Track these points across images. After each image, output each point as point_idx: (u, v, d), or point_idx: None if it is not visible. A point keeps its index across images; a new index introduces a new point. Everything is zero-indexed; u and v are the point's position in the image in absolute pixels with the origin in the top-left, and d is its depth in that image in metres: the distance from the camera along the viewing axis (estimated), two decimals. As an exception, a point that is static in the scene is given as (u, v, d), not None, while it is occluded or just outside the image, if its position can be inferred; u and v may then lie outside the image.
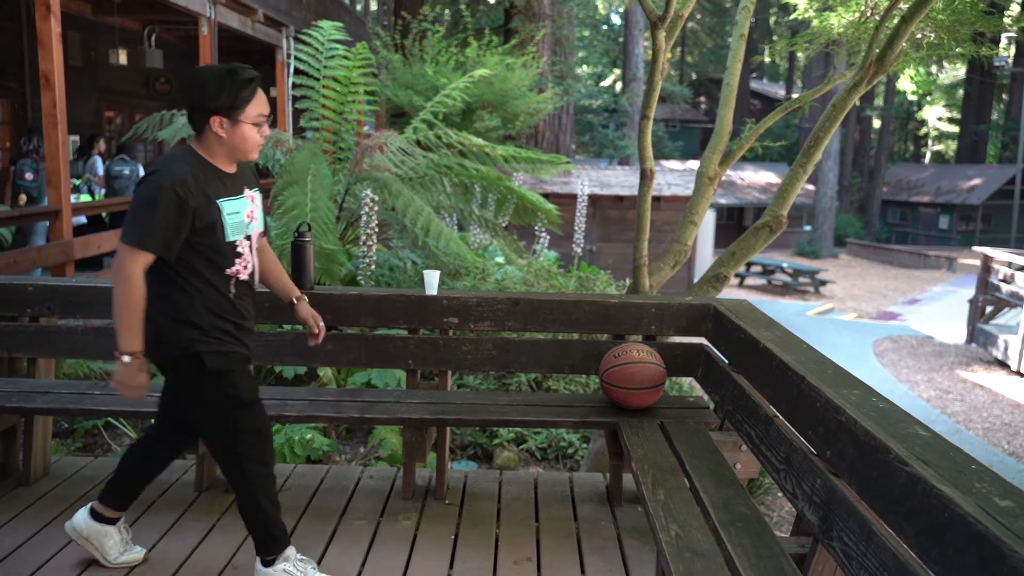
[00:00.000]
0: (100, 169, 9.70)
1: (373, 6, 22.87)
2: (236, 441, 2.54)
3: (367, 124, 11.92)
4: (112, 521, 2.78)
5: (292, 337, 3.53)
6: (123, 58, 11.98)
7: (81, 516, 2.77)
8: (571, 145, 17.98)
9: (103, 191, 9.45)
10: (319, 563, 2.84)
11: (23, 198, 8.51)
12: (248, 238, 2.55)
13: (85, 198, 9.22)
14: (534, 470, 4.82)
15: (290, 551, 2.65)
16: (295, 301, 2.87)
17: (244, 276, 2.55)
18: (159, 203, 2.31)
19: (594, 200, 14.68)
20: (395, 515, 3.25)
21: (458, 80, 7.27)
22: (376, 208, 5.43)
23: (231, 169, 2.52)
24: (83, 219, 8.49)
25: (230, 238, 2.47)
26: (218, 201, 2.44)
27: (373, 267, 5.43)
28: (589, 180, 12.94)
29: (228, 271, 2.49)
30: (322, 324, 2.89)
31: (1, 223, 7.13)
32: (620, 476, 3.46)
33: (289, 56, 11.56)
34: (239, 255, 2.52)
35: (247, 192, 2.57)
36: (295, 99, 6.72)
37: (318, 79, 6.20)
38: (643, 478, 2.62)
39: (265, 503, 2.58)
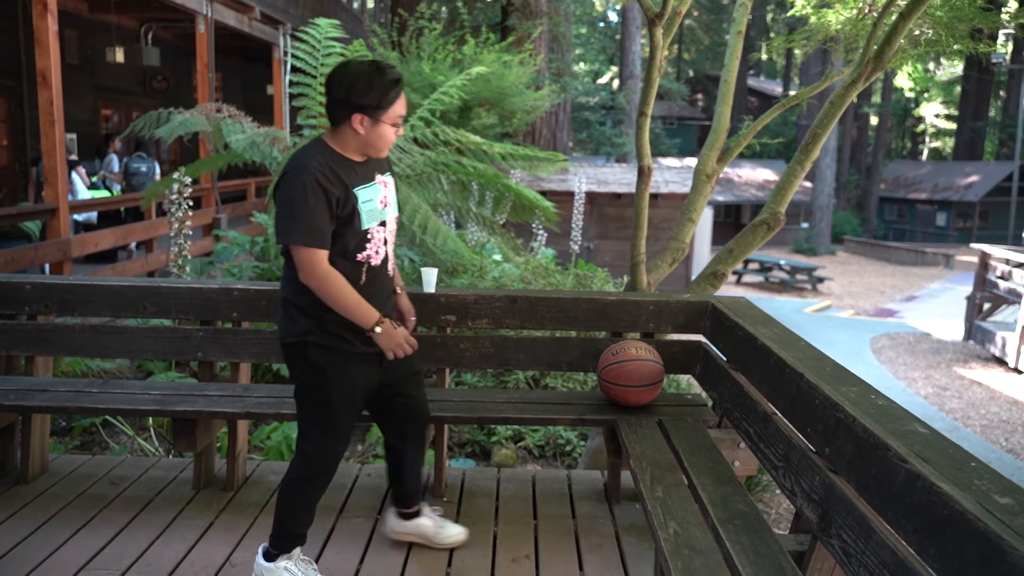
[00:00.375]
0: (116, 166, 10.00)
1: (370, 3, 22.83)
2: (307, 435, 2.63)
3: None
4: (416, 514, 2.93)
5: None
6: (120, 56, 11.96)
7: (391, 521, 2.96)
8: (568, 142, 17.96)
9: (119, 187, 9.76)
10: (317, 560, 2.84)
11: (44, 198, 8.42)
12: (383, 224, 2.59)
13: (103, 193, 9.42)
14: (532, 468, 4.82)
15: (296, 551, 2.66)
16: (396, 291, 2.84)
17: (376, 261, 2.58)
18: (309, 198, 2.38)
19: (591, 197, 14.67)
20: (393, 513, 3.25)
21: (455, 78, 7.26)
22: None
23: (361, 159, 2.55)
24: (94, 216, 8.85)
25: (365, 225, 2.51)
26: (354, 190, 2.48)
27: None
28: (586, 177, 12.94)
29: (359, 256, 2.52)
30: (413, 319, 2.89)
31: (12, 219, 7.13)
32: (618, 474, 3.46)
33: (286, 54, 11.55)
34: (369, 240, 2.54)
35: (379, 178, 2.60)
36: (292, 97, 6.70)
37: (315, 77, 6.18)
38: (641, 476, 2.61)
39: (298, 504, 2.64)
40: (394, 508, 2.96)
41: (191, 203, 5.35)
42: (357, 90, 2.42)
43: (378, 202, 2.56)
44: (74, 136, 10.32)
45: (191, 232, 5.40)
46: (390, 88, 2.44)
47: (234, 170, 7.31)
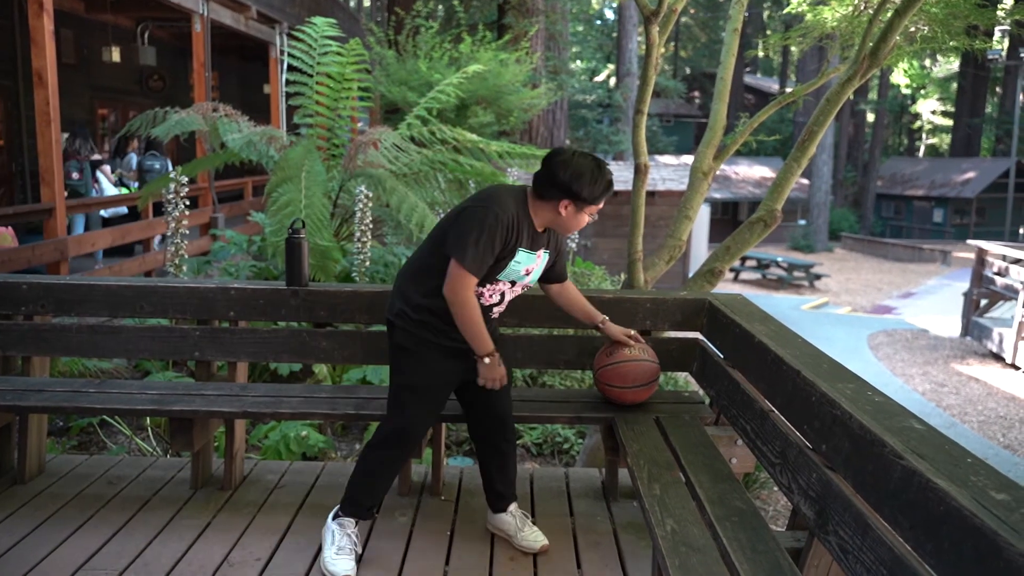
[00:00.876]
0: (134, 164, 10.56)
1: (366, 2, 22.80)
2: (390, 411, 2.86)
3: (361, 120, 11.89)
4: (502, 511, 3.04)
5: (287, 334, 3.53)
6: (116, 55, 11.95)
7: (489, 512, 3.09)
8: (565, 140, 17.95)
9: (135, 184, 10.25)
10: (314, 559, 2.84)
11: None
12: (513, 284, 2.83)
13: (123, 191, 10.08)
14: (530, 466, 4.82)
15: (350, 522, 2.84)
16: (600, 325, 3.17)
17: (486, 302, 2.80)
18: (495, 236, 2.62)
19: (589, 195, 14.65)
20: (391, 511, 3.25)
21: (452, 76, 7.26)
22: (370, 204, 5.42)
23: (541, 229, 2.80)
24: (124, 210, 9.40)
25: (501, 276, 2.76)
26: (519, 248, 2.73)
27: (368, 263, 5.42)
28: (584, 175, 12.91)
29: (477, 290, 2.74)
30: (633, 333, 3.19)
31: (9, 219, 7.11)
32: (616, 471, 3.47)
33: (282, 53, 11.53)
34: (493, 284, 2.78)
35: (540, 252, 2.83)
36: (288, 96, 6.70)
37: (312, 76, 6.19)
38: (639, 473, 2.62)
39: (363, 471, 2.84)
40: (496, 504, 3.08)
41: (188, 202, 5.35)
42: (581, 183, 2.65)
43: (523, 269, 2.79)
44: (67, 135, 10.31)
45: (188, 231, 5.39)
46: (606, 190, 2.71)
47: (231, 169, 7.31)
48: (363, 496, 2.85)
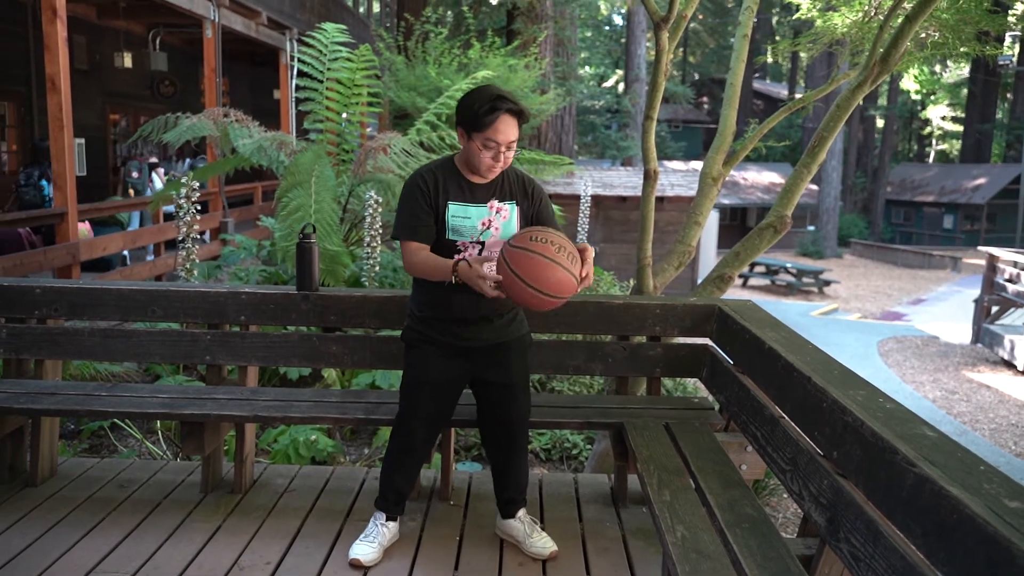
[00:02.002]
0: (187, 167, 11.73)
1: (376, 8, 22.88)
2: (399, 405, 2.95)
3: (370, 126, 11.94)
4: (510, 516, 3.03)
5: (297, 339, 3.54)
6: (128, 61, 12.04)
7: (498, 517, 3.08)
8: (574, 146, 17.97)
9: None
10: (324, 563, 2.85)
11: (132, 192, 10.58)
12: (480, 244, 2.77)
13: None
14: (538, 471, 4.81)
15: (381, 516, 2.95)
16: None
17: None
18: (409, 197, 2.74)
19: (597, 201, 14.67)
20: (400, 516, 3.25)
21: (461, 81, 7.28)
22: (380, 209, 5.43)
23: (478, 180, 2.77)
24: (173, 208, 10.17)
25: (450, 237, 2.74)
26: (449, 202, 2.72)
27: (377, 268, 5.43)
28: (592, 181, 12.92)
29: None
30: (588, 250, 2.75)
31: (15, 224, 7.17)
32: (625, 477, 3.46)
33: (292, 58, 11.57)
34: (459, 252, 2.74)
35: (492, 203, 2.78)
36: (299, 101, 6.73)
37: (322, 81, 6.22)
38: (648, 479, 2.61)
39: (388, 468, 2.96)
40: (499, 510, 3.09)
41: (199, 207, 5.37)
42: (464, 105, 2.66)
43: (478, 222, 2.74)
44: (82, 141, 10.39)
45: (199, 236, 5.41)
46: (491, 112, 2.61)
47: (241, 174, 7.35)
48: (382, 487, 2.97)
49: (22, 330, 3.48)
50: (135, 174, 10.63)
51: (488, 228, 2.76)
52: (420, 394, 2.88)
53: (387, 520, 2.96)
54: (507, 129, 2.64)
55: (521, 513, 3.03)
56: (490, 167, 2.70)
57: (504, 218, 2.78)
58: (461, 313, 2.79)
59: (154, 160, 11.49)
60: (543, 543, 2.95)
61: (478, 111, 2.61)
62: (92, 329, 3.54)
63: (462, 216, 2.73)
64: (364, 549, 2.86)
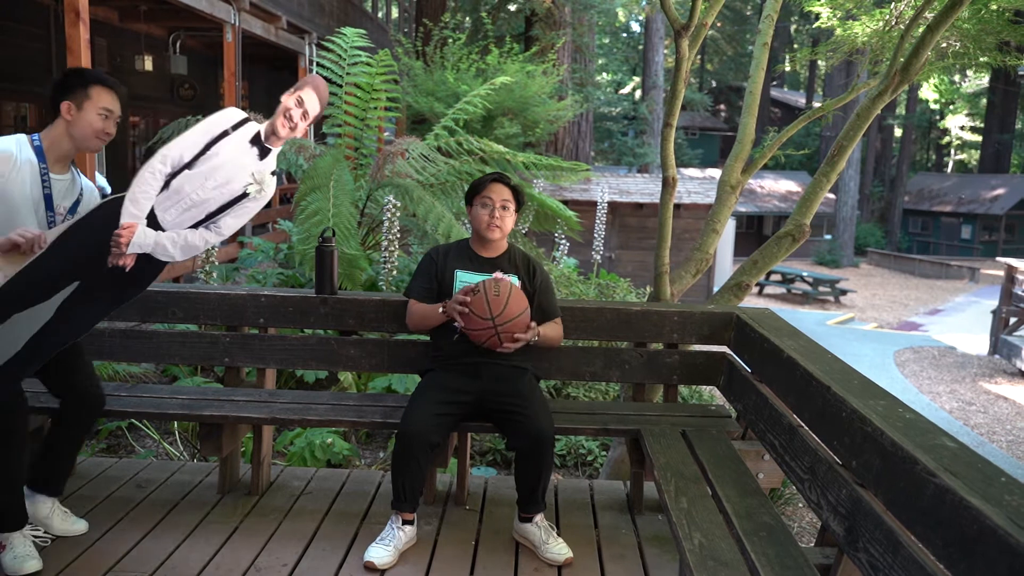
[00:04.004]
0: None
1: (395, 13, 22.98)
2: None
3: (388, 130, 11.99)
4: (528, 520, 3.05)
5: (315, 342, 3.56)
6: (148, 64, 12.13)
7: (516, 519, 3.12)
8: (590, 152, 17.97)
9: None
10: (340, 566, 2.86)
11: None
12: None
13: None
14: (554, 477, 4.81)
15: (394, 516, 2.99)
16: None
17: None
18: (417, 267, 3.28)
19: (613, 207, 14.65)
20: (416, 520, 3.26)
21: (479, 87, 7.30)
22: (397, 214, 5.46)
23: (487, 254, 3.22)
24: None
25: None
26: (457, 270, 3.18)
27: (394, 272, 5.46)
28: (609, 187, 12.91)
29: (452, 325, 3.10)
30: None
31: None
32: (641, 484, 3.45)
33: (312, 63, 11.66)
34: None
35: (498, 273, 3.14)
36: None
37: (341, 86, 6.25)
38: (665, 486, 2.61)
39: (393, 470, 2.99)
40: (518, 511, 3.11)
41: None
42: (468, 189, 3.31)
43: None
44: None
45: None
46: (482, 181, 3.21)
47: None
48: (392, 486, 2.99)
49: (44, 330, 3.51)
50: None
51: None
52: (420, 399, 3.03)
53: (403, 524, 2.97)
54: (499, 190, 3.14)
55: (539, 518, 3.03)
56: (488, 224, 3.12)
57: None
58: (463, 357, 3.12)
59: None
60: (559, 549, 2.95)
61: (478, 183, 3.18)
62: (112, 330, 3.57)
63: (467, 282, 3.11)
64: (379, 552, 2.87)
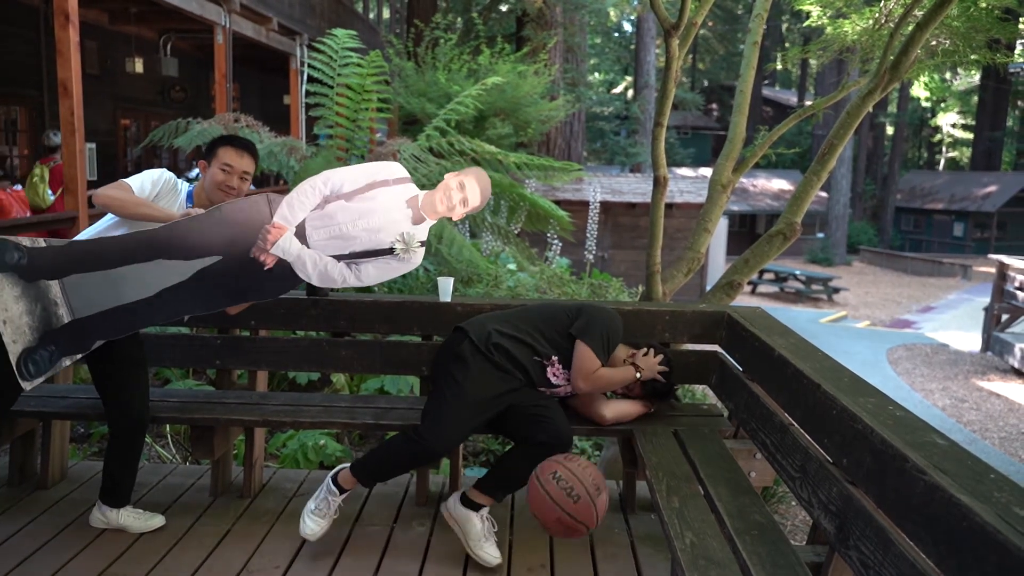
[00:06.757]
0: None
1: (386, 14, 22.96)
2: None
3: (380, 131, 11.98)
4: (476, 508, 2.91)
5: (307, 343, 3.55)
6: (139, 66, 12.08)
7: (452, 498, 2.98)
8: (583, 152, 18.01)
9: None
10: (333, 568, 2.85)
11: None
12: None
13: None
14: (547, 477, 4.81)
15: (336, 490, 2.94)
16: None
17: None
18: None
19: (606, 207, 14.66)
20: (408, 522, 3.26)
21: (470, 88, 7.30)
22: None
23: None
24: None
25: None
26: None
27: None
28: (601, 187, 12.93)
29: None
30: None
31: (27, 228, 7.22)
32: (633, 484, 3.46)
33: (303, 64, 11.64)
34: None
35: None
36: (308, 107, 6.75)
37: (332, 87, 6.23)
38: (657, 486, 2.61)
39: (387, 458, 2.89)
40: (465, 488, 2.97)
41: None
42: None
43: None
44: (93, 145, 10.46)
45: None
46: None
47: (251, 180, 7.38)
48: (381, 476, 2.97)
49: (34, 333, 3.49)
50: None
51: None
52: (461, 412, 2.88)
53: (340, 493, 2.94)
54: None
55: (486, 511, 2.94)
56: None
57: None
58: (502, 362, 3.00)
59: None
60: (493, 553, 2.87)
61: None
62: (103, 333, 3.55)
63: None
64: (311, 525, 2.88)
